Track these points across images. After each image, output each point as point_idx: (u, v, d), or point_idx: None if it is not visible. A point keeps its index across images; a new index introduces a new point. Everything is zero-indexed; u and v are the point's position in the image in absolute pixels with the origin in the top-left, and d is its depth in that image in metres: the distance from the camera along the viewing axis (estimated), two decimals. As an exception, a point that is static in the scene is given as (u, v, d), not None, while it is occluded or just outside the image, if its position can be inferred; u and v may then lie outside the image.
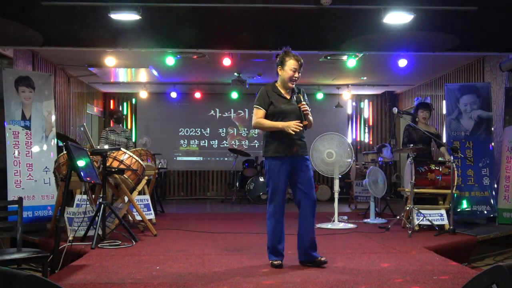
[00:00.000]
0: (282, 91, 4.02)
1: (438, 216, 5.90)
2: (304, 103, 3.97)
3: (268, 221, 4.06)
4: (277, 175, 3.94)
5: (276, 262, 3.97)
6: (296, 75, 3.96)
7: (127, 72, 9.57)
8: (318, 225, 6.47)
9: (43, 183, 6.23)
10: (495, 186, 6.70)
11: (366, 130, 12.37)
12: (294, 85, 4.01)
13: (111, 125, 7.58)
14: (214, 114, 12.17)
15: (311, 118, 4.02)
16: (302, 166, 3.99)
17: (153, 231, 5.61)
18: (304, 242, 4.07)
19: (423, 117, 6.45)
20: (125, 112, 11.99)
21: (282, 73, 3.99)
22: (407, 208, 5.95)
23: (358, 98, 12.25)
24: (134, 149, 6.60)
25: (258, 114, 3.96)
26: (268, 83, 4.14)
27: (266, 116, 3.96)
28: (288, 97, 4.02)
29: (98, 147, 6.44)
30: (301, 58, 3.99)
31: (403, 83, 10.62)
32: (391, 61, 8.15)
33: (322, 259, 4.03)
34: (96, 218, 5.00)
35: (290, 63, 3.94)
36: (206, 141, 12.16)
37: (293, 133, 3.83)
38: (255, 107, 3.99)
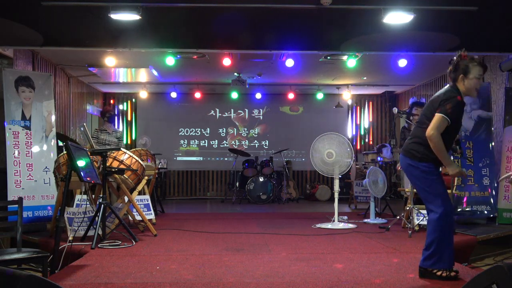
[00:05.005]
0: None
1: (438, 216, 5.89)
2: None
3: (446, 225, 3.53)
4: (441, 176, 3.64)
5: (453, 274, 3.53)
6: (481, 82, 3.59)
7: (127, 72, 9.57)
8: (318, 225, 6.48)
9: (43, 183, 6.23)
10: (495, 186, 6.70)
11: (366, 130, 12.37)
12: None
13: (106, 124, 7.55)
14: (214, 114, 12.17)
15: None
16: None
17: (153, 231, 5.61)
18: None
19: (418, 115, 6.46)
20: (125, 112, 11.99)
21: (467, 82, 3.54)
22: (407, 208, 5.95)
23: (358, 98, 12.26)
24: (134, 149, 6.60)
25: (442, 126, 3.47)
26: (455, 89, 3.58)
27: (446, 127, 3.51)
28: None
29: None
30: (484, 63, 3.59)
31: (403, 83, 10.62)
32: (391, 61, 8.15)
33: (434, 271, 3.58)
34: (96, 218, 5.00)
35: (476, 70, 3.53)
36: (206, 141, 12.16)
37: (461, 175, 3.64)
38: (443, 117, 3.46)
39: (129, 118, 12.01)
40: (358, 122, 12.35)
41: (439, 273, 3.53)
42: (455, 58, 3.64)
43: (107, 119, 7.46)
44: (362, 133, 12.36)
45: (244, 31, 6.04)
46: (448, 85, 3.69)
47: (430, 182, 3.58)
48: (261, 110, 12.23)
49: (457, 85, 3.61)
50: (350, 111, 12.27)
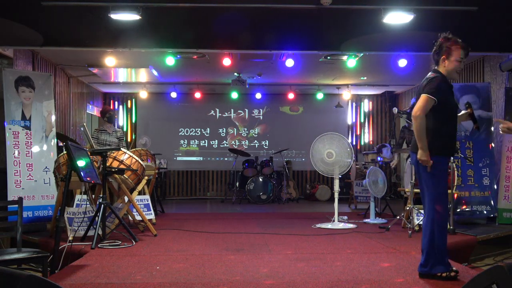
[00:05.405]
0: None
1: (438, 216, 5.89)
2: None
3: (441, 227, 3.54)
4: (446, 174, 3.59)
5: (453, 274, 3.53)
6: (462, 65, 3.63)
7: (127, 72, 9.57)
8: (318, 225, 6.48)
9: (43, 183, 6.23)
10: (495, 186, 6.70)
11: (366, 130, 12.37)
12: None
13: (106, 124, 7.51)
14: (214, 114, 12.17)
15: None
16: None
17: (153, 231, 5.61)
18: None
19: None
20: (125, 112, 12.00)
21: (447, 64, 3.58)
22: (407, 208, 5.95)
23: (358, 98, 12.25)
24: (134, 149, 6.59)
25: (428, 106, 3.48)
26: (437, 72, 3.63)
27: (436, 108, 3.51)
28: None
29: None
30: (468, 46, 3.61)
31: (403, 83, 10.62)
32: (391, 61, 8.15)
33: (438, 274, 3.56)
34: (96, 218, 5.00)
35: (458, 53, 3.55)
36: (206, 141, 12.16)
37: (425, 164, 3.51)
38: (428, 96, 3.47)
39: (128, 118, 12.01)
40: (358, 122, 12.34)
41: (438, 274, 3.55)
42: (439, 40, 3.65)
43: (107, 119, 7.44)
44: (362, 133, 12.35)
45: (244, 31, 6.04)
46: (430, 72, 3.73)
47: (432, 177, 3.56)
48: (261, 110, 12.23)
49: (439, 68, 3.65)
50: (350, 111, 12.26)
